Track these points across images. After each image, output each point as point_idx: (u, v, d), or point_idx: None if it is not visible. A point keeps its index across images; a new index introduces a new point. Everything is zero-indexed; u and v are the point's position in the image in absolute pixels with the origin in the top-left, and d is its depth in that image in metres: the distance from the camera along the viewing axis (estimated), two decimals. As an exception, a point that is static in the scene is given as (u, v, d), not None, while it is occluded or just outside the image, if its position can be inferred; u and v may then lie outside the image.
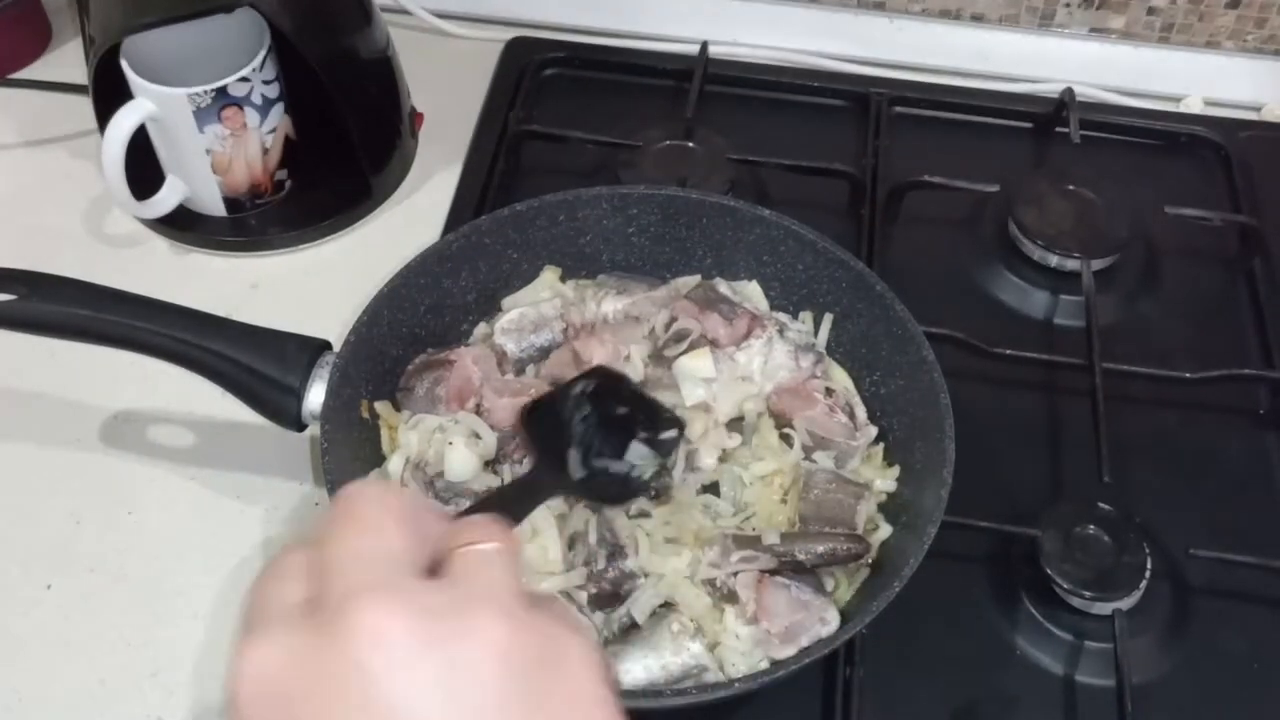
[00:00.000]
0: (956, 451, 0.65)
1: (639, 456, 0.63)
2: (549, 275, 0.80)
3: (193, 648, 0.70)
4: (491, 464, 0.70)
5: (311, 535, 0.39)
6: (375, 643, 0.35)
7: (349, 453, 0.69)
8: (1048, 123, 0.99)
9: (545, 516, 0.67)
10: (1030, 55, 1.03)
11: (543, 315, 0.77)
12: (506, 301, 0.79)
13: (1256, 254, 0.90)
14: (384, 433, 0.73)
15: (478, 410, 0.72)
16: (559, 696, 0.36)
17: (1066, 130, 0.95)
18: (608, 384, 0.65)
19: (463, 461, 0.69)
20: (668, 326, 0.76)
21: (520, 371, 0.76)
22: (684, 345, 0.74)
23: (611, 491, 0.64)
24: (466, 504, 0.68)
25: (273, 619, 0.37)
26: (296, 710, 0.35)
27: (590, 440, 0.62)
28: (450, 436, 0.70)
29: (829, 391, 0.73)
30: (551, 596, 0.64)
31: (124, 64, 0.82)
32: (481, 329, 0.78)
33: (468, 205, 0.92)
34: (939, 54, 1.04)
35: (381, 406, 0.73)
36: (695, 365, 0.73)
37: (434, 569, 0.39)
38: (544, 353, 0.76)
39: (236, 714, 0.36)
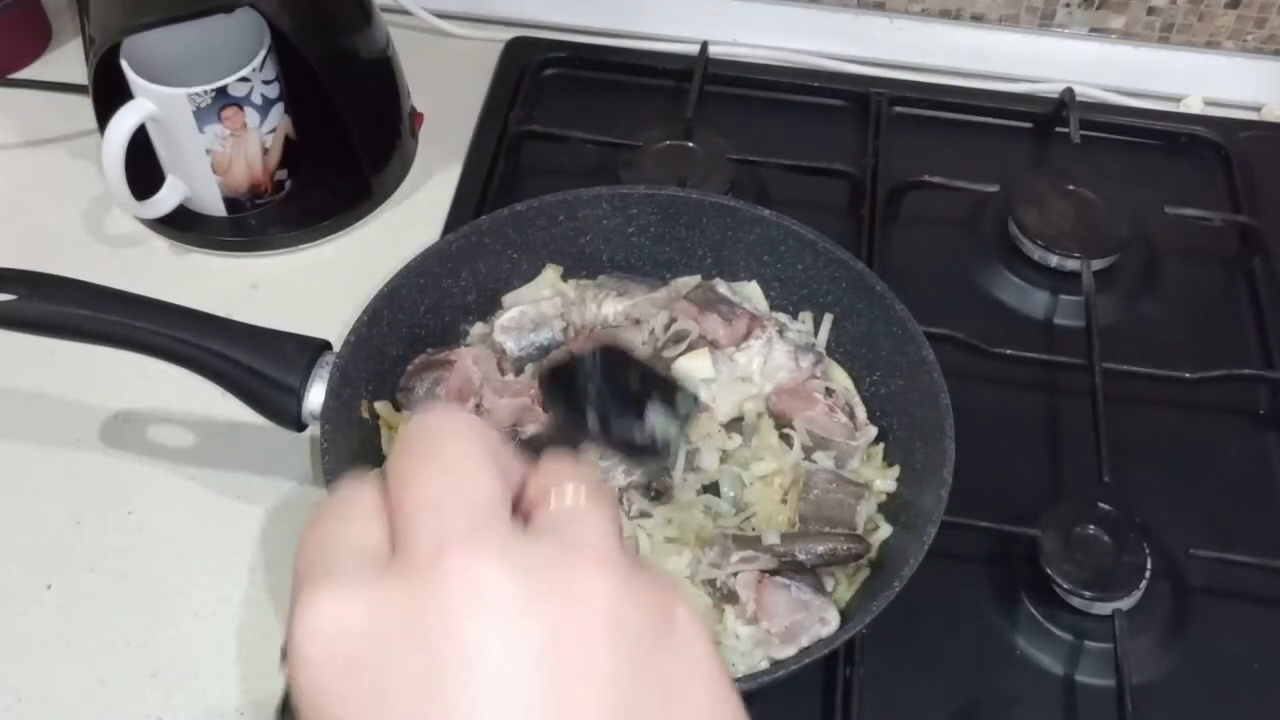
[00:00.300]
0: (956, 451, 0.65)
1: (658, 420, 0.64)
2: (550, 274, 0.80)
3: (193, 648, 0.70)
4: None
5: (383, 472, 0.35)
6: (477, 600, 0.30)
7: (349, 453, 0.69)
8: (1048, 123, 0.99)
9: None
10: (1030, 55, 1.03)
11: (543, 314, 0.77)
12: (507, 299, 0.79)
13: (1256, 254, 0.90)
14: (384, 433, 0.73)
15: (478, 410, 0.72)
16: (675, 666, 0.32)
17: (1066, 130, 0.95)
18: (618, 357, 0.66)
19: (463, 461, 0.69)
20: (667, 328, 0.76)
21: (520, 370, 0.76)
22: (683, 346, 0.74)
23: (636, 450, 0.64)
24: None
25: (343, 566, 0.32)
26: (378, 676, 0.30)
27: (606, 407, 0.63)
28: (450, 436, 0.69)
29: (829, 391, 0.73)
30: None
31: (124, 64, 0.82)
32: (479, 328, 0.78)
33: (468, 205, 0.92)
34: (939, 54, 1.04)
35: (381, 406, 0.73)
36: (694, 366, 0.73)
37: (521, 514, 0.35)
38: (544, 351, 0.76)
39: (301, 679, 0.31)
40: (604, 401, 0.62)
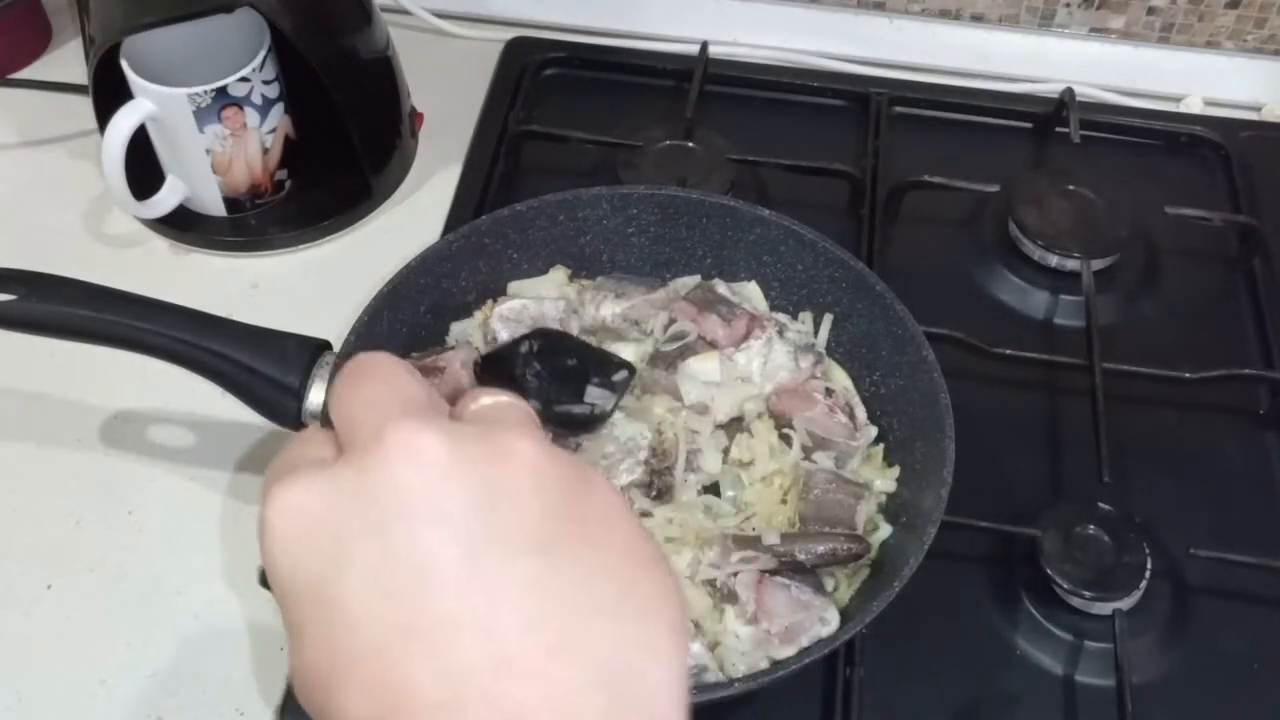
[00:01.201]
0: (956, 451, 0.65)
1: (596, 397, 0.67)
2: (559, 274, 0.80)
3: (193, 648, 0.70)
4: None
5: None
6: (417, 460, 0.34)
7: (349, 453, 0.69)
8: (1048, 123, 0.99)
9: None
10: (1030, 55, 1.03)
11: (544, 314, 0.76)
12: (512, 286, 0.79)
13: (1256, 254, 0.90)
14: (384, 432, 0.72)
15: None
16: (592, 514, 0.36)
17: (1066, 130, 0.95)
18: (552, 341, 0.68)
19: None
20: (666, 328, 0.76)
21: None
22: (679, 345, 0.74)
23: (575, 425, 0.68)
24: None
25: (302, 468, 0.36)
26: (337, 534, 0.35)
27: (546, 392, 0.65)
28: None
29: (829, 392, 0.73)
30: None
31: (124, 64, 0.82)
32: (456, 328, 0.78)
33: (468, 205, 0.92)
34: (939, 54, 1.04)
35: (381, 406, 0.73)
36: (702, 368, 0.73)
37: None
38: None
39: (274, 562, 0.36)
40: (543, 385, 0.65)
